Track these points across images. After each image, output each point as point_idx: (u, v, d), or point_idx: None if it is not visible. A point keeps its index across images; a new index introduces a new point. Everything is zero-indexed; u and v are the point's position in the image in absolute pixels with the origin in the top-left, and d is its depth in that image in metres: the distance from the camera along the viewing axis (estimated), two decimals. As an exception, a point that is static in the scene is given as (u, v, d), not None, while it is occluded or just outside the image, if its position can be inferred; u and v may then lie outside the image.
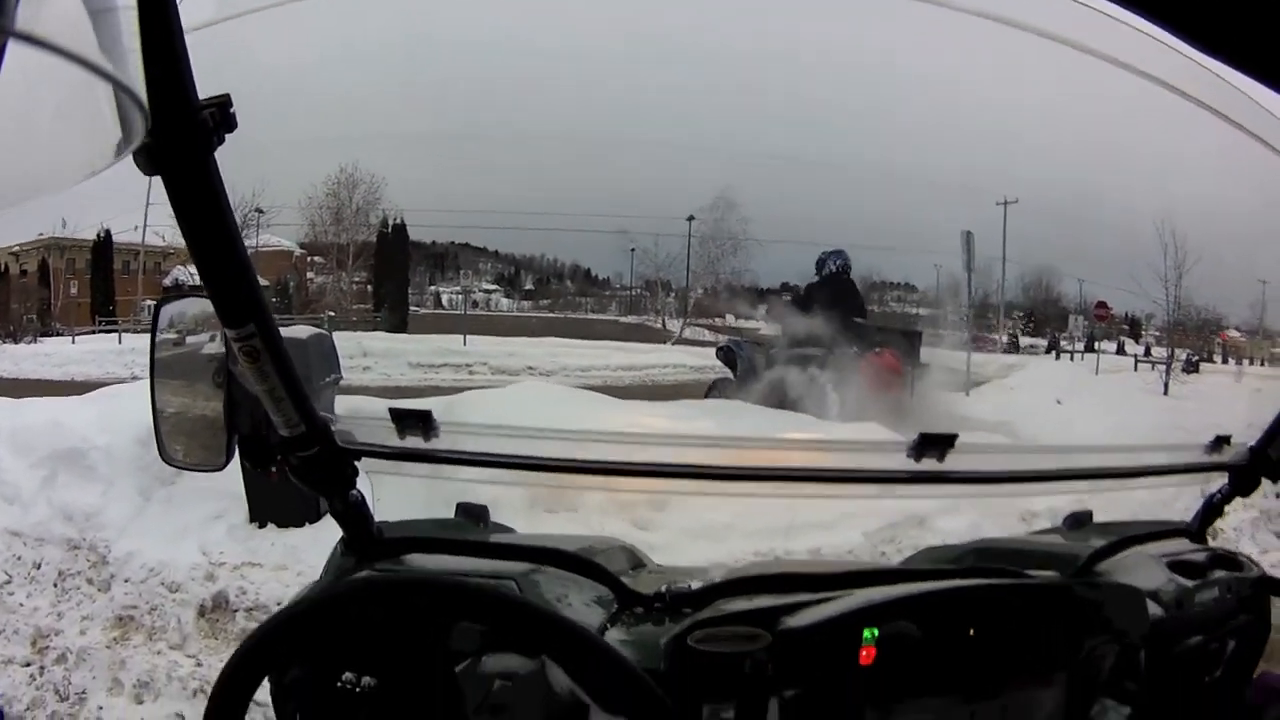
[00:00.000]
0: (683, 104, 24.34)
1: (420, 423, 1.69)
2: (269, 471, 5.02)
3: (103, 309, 23.21)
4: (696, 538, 5.85)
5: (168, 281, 21.19)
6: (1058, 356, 24.51)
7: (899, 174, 22.65)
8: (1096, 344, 23.86)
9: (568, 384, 15.46)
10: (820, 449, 2.03)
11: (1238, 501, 2.19)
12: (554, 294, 27.86)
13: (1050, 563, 2.06)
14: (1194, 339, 22.53)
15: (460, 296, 26.25)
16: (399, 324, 24.00)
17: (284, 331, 1.49)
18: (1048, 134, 21.85)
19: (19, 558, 5.83)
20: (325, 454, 1.63)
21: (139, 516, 6.11)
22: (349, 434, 1.67)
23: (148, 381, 1.80)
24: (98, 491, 6.17)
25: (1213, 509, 2.26)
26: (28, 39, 0.52)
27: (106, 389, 7.85)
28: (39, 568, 5.80)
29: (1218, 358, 23.21)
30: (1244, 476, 2.15)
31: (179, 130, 1.12)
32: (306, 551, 5.55)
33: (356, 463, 1.71)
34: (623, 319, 26.20)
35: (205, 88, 1.16)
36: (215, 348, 1.72)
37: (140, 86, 0.68)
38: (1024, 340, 25.82)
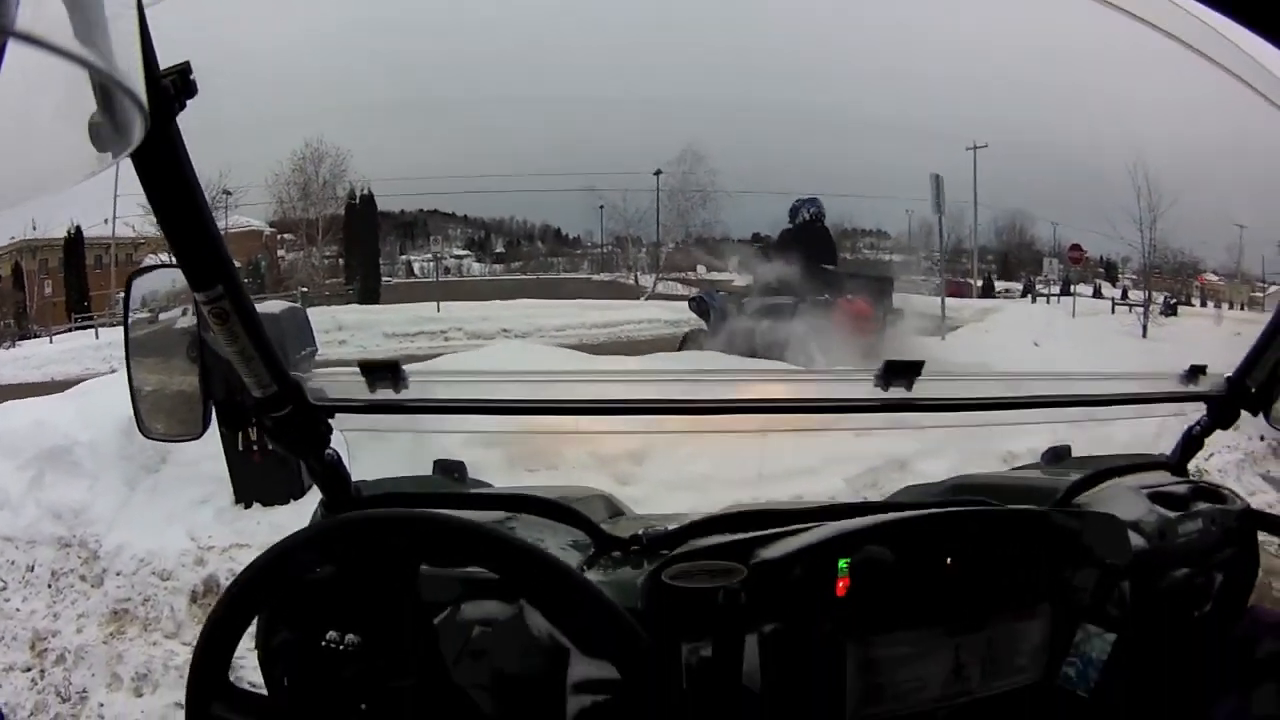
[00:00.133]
0: (645, 58, 24.04)
1: (390, 374, 1.70)
2: (252, 452, 5.02)
3: (78, 306, 22.88)
4: (676, 489, 5.88)
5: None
6: (1034, 300, 24.44)
7: (867, 120, 22.42)
8: (1073, 288, 23.69)
9: (542, 344, 15.38)
10: (789, 381, 2.05)
11: (1222, 443, 2.20)
12: (525, 255, 27.61)
13: (1029, 496, 2.08)
14: (1171, 282, 22.36)
15: (431, 264, 26.04)
16: (372, 295, 23.85)
17: (257, 307, 1.51)
18: (1017, 76, 21.60)
19: (12, 562, 5.82)
20: (298, 412, 1.66)
21: (126, 507, 6.09)
22: (321, 391, 1.69)
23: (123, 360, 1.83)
24: (84, 487, 6.14)
25: (1192, 441, 2.28)
26: (28, 39, 0.53)
27: (85, 384, 7.77)
28: (32, 570, 5.78)
29: (1196, 301, 23.12)
30: (1223, 408, 2.16)
31: None
32: (293, 528, 5.47)
33: (330, 420, 1.74)
34: (595, 277, 26.01)
35: (168, 63, 1.19)
36: (188, 321, 1.74)
37: (140, 87, 0.68)
38: (999, 285, 25.73)
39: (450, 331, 20.44)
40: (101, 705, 5.00)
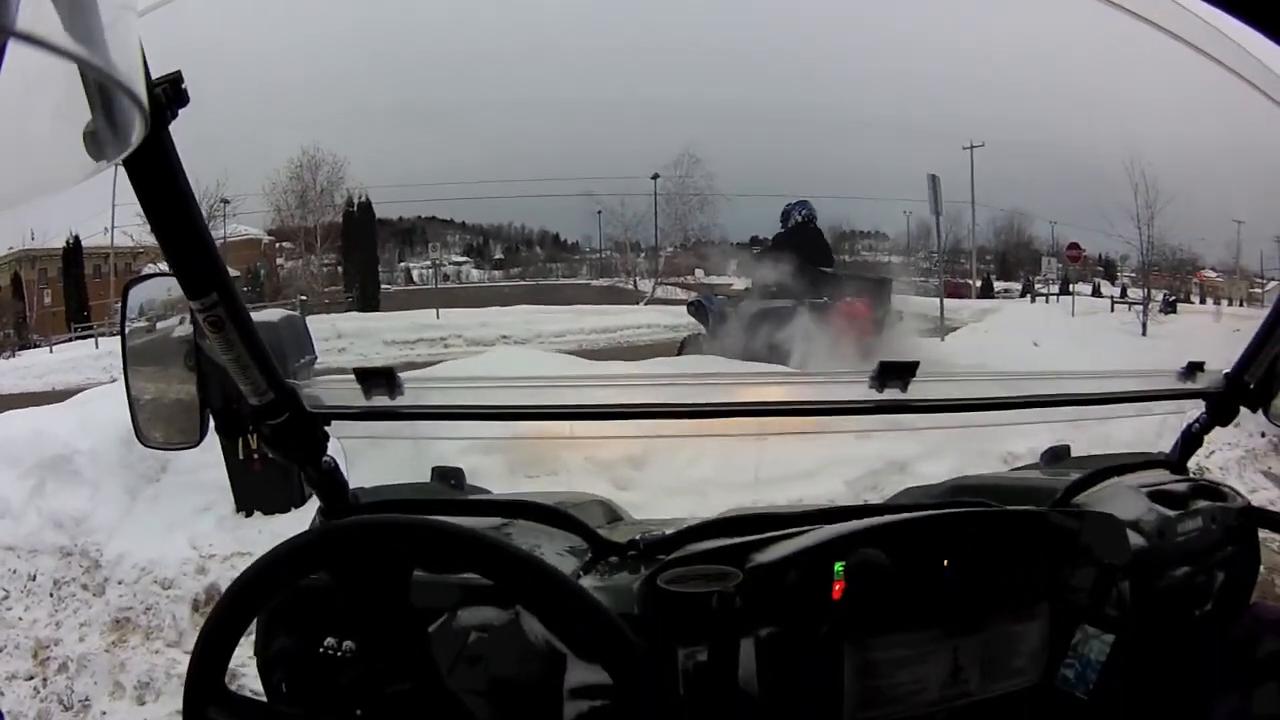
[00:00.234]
0: (641, 61, 24.20)
1: (385, 381, 1.71)
2: (253, 461, 5.01)
3: (77, 315, 22.90)
4: (676, 494, 5.84)
5: (139, 278, 20.87)
6: (1033, 300, 24.44)
7: (864, 122, 22.54)
8: (1072, 286, 23.66)
9: (542, 350, 15.38)
10: (786, 384, 2.05)
11: (1223, 440, 2.19)
12: (524, 261, 27.65)
13: (1027, 496, 2.07)
14: (1170, 280, 22.36)
15: (430, 270, 26.06)
16: (371, 302, 23.89)
17: (255, 315, 1.52)
18: (1013, 75, 21.65)
19: (14, 571, 5.80)
20: (295, 419, 1.66)
21: (127, 516, 6.08)
22: (317, 398, 1.70)
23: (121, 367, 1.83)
24: (85, 495, 6.12)
25: (1192, 439, 2.26)
26: (28, 39, 0.52)
27: (86, 393, 7.77)
28: (34, 579, 5.77)
29: (1195, 298, 23.08)
30: (1221, 404, 2.14)
31: None
32: (293, 536, 5.49)
33: (327, 427, 1.74)
34: (594, 282, 26.02)
35: (160, 73, 1.20)
36: (185, 330, 1.74)
37: (140, 87, 0.68)
38: (998, 285, 25.71)
39: (450, 338, 20.47)
40: (104, 713, 5.00)
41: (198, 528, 5.97)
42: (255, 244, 24.06)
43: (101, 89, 0.67)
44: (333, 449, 1.80)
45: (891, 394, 1.78)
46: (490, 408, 1.84)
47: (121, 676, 5.16)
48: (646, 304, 24.08)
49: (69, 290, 23.27)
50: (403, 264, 26.53)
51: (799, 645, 1.61)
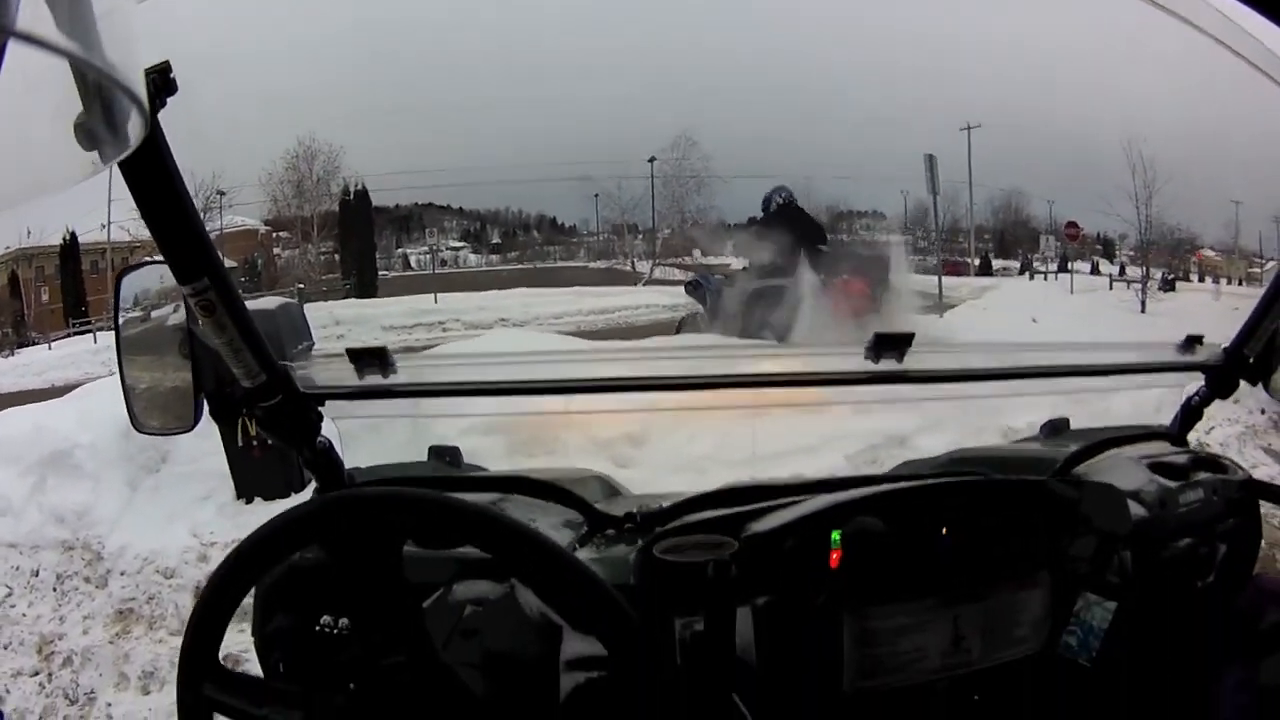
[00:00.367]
0: (636, 44, 24.08)
1: (378, 360, 1.71)
2: (252, 447, 5.02)
3: (75, 311, 22.88)
4: (676, 471, 5.86)
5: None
6: (1031, 277, 24.39)
7: (861, 102, 22.52)
8: (1070, 264, 23.65)
9: (540, 332, 15.39)
10: (782, 356, 2.04)
11: (1223, 417, 2.18)
12: (521, 245, 27.57)
13: (1027, 467, 2.06)
14: (1169, 258, 22.35)
15: (428, 256, 26.02)
16: (368, 289, 23.86)
17: (251, 304, 1.53)
18: (1010, 55, 21.58)
19: (17, 568, 5.82)
20: (288, 401, 1.67)
21: (128, 508, 6.11)
22: (310, 379, 1.70)
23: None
24: (86, 489, 6.14)
25: (1192, 411, 2.26)
26: (28, 39, 0.53)
27: (84, 387, 7.77)
28: (37, 574, 5.78)
29: (1194, 277, 23.05)
30: (1221, 377, 2.14)
31: None
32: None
33: (321, 408, 1.74)
34: (592, 264, 25.97)
35: (148, 63, 1.20)
36: (179, 318, 1.75)
37: (140, 87, 0.68)
38: (997, 263, 25.68)
39: (448, 322, 20.47)
40: (109, 705, 5.02)
41: (199, 516, 6.00)
42: (252, 235, 24.02)
43: (100, 89, 0.68)
44: (328, 430, 1.81)
45: (888, 365, 1.77)
46: (485, 383, 1.83)
47: (126, 667, 5.18)
48: (644, 285, 24.06)
49: (66, 287, 23.25)
50: (400, 250, 26.47)
51: (797, 614, 1.62)
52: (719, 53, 23.72)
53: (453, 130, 24.93)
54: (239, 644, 1.59)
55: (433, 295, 21.95)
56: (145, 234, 1.40)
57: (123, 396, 1.83)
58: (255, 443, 5.72)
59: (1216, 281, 22.25)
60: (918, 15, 22.21)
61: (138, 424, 1.86)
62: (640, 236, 26.00)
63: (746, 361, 2.10)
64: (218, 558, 5.52)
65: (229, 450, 5.79)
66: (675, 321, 16.29)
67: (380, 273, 25.08)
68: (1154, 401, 2.54)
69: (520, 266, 26.14)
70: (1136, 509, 1.92)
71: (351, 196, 24.15)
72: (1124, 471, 2.03)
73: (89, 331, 21.76)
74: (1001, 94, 21.84)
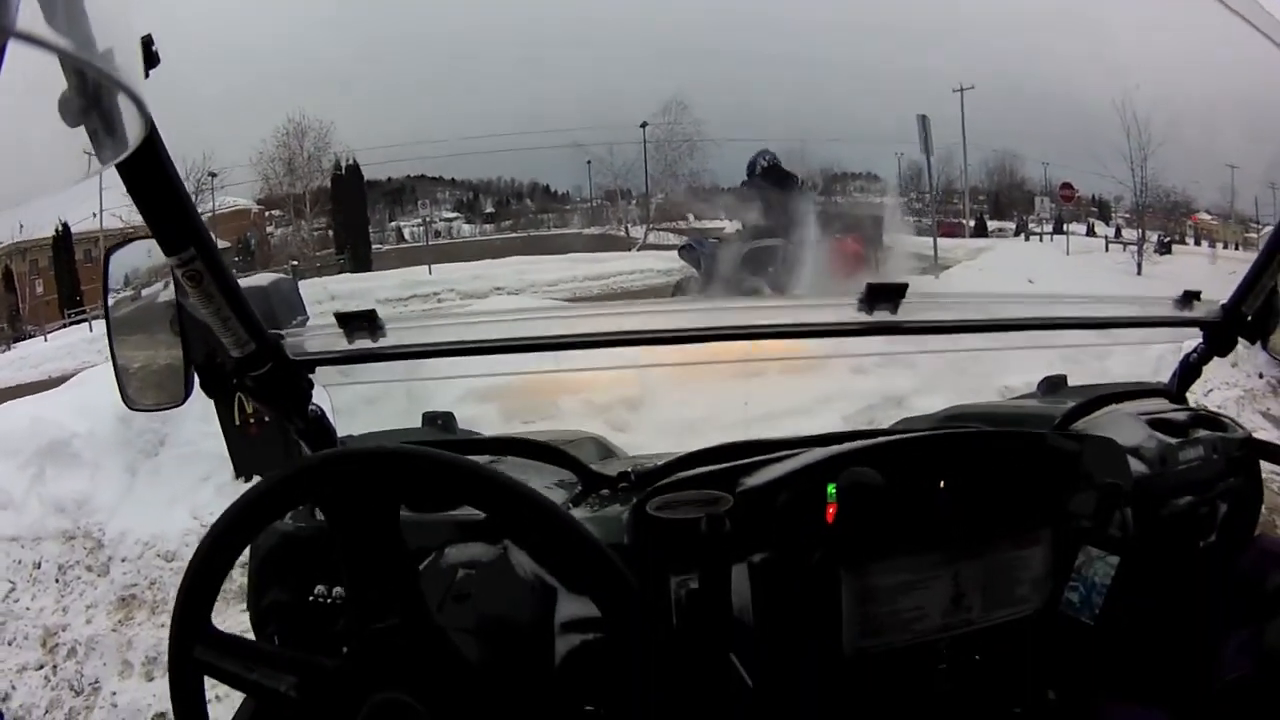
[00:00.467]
0: (626, 8, 23.87)
1: (367, 323, 1.71)
2: (249, 426, 5.03)
3: (70, 302, 22.80)
4: (671, 433, 5.84)
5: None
6: (1027, 239, 24.35)
7: (853, 62, 22.32)
8: (1066, 226, 23.61)
9: (536, 299, 15.39)
10: (776, 308, 2.03)
11: (1221, 380, 2.17)
12: (515, 214, 27.40)
13: (1025, 422, 2.07)
14: (1165, 221, 22.32)
15: (421, 228, 25.96)
16: (363, 263, 23.80)
17: (244, 280, 1.53)
18: (1003, 14, 21.43)
19: (19, 561, 5.86)
20: (278, 368, 1.67)
21: (128, 494, 6.14)
22: (299, 346, 1.69)
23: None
24: (85, 477, 6.17)
25: (1190, 368, 2.26)
26: (28, 39, 0.52)
27: (80, 375, 7.78)
28: (39, 566, 5.82)
29: (1190, 240, 23.03)
30: (1219, 334, 2.14)
31: None
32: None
33: (311, 375, 1.74)
34: (586, 231, 25.85)
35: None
36: (169, 295, 1.74)
37: (140, 86, 0.67)
38: (992, 224, 25.62)
39: (443, 293, 20.42)
40: (114, 694, 5.05)
41: (198, 498, 6.02)
42: (245, 214, 23.93)
43: (99, 88, 0.67)
44: (319, 398, 1.80)
45: (881, 316, 1.77)
46: (477, 341, 1.82)
47: (129, 655, 5.22)
48: (639, 250, 24.02)
49: (60, 277, 23.20)
50: (393, 223, 26.36)
51: (794, 570, 1.60)
52: (709, 15, 23.55)
53: (444, 101, 24.75)
54: (239, 625, 1.60)
55: (427, 267, 21.93)
56: (138, 219, 1.40)
57: (114, 375, 1.83)
58: (252, 421, 5.73)
59: (1213, 245, 22.22)
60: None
61: (130, 402, 1.86)
62: (634, 202, 25.94)
63: (740, 313, 2.09)
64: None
65: (226, 430, 5.80)
66: (670, 286, 16.30)
67: (374, 246, 25.02)
68: (1151, 364, 2.53)
69: (514, 235, 26.03)
70: (1137, 465, 1.90)
71: (343, 171, 24.03)
72: (1123, 427, 2.01)
73: (84, 320, 21.67)
74: (994, 55, 21.70)
